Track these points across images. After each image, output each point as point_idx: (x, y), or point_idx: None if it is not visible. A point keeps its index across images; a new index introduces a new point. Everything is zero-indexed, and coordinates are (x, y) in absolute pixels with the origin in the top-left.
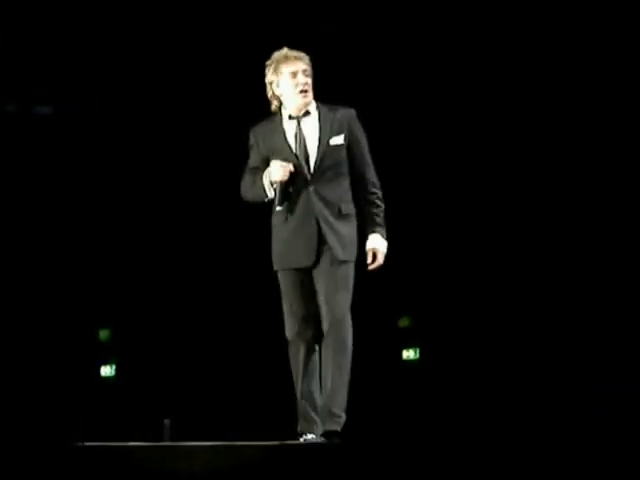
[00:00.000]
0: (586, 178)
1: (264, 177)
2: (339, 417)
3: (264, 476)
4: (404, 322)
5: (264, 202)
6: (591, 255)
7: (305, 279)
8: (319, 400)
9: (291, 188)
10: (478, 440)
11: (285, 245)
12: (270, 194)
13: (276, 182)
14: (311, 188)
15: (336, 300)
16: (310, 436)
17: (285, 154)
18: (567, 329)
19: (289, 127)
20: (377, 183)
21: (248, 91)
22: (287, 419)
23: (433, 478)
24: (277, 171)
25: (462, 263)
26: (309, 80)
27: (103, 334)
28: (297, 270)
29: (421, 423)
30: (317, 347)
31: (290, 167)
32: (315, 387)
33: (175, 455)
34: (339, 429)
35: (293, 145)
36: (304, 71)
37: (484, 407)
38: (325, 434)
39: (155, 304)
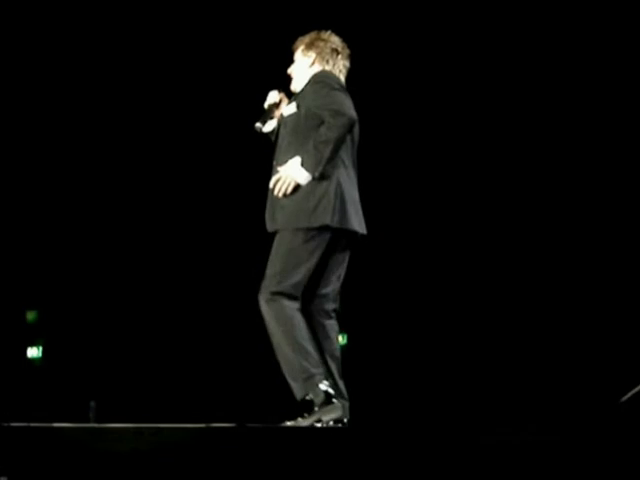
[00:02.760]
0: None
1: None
2: (293, 384)
3: (188, 458)
4: None
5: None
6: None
7: None
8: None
9: (274, 115)
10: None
11: None
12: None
13: (267, 106)
14: (275, 162)
15: (268, 268)
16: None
17: None
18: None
19: None
20: (331, 120)
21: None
22: (217, 401)
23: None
24: (268, 97)
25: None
26: (292, 68)
27: (30, 316)
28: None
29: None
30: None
31: (278, 95)
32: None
33: (100, 436)
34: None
35: None
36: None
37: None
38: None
39: (82, 286)
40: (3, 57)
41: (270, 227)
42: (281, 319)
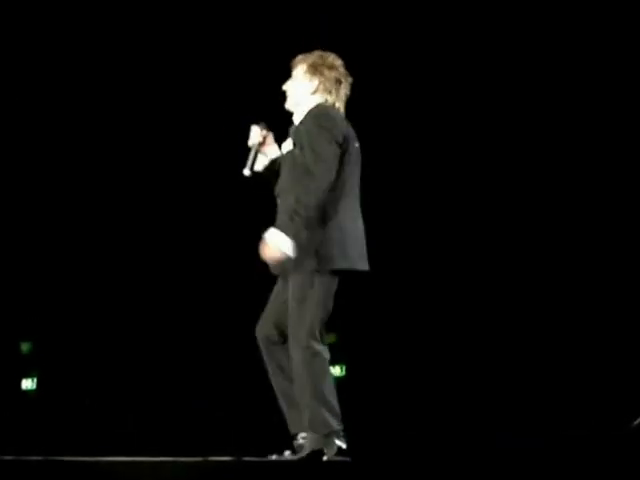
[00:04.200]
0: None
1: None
2: (311, 435)
3: None
4: (331, 339)
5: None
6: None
7: (281, 287)
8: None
9: (262, 151)
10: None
11: None
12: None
13: (252, 146)
14: (278, 199)
15: (289, 314)
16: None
17: None
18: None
19: None
20: (301, 197)
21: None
22: (214, 432)
23: None
24: (251, 135)
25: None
26: (288, 84)
27: (25, 347)
28: (278, 277)
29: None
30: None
31: (261, 132)
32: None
33: (97, 470)
34: (311, 449)
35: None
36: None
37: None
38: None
39: (77, 317)
40: (3, 56)
41: (275, 270)
42: (313, 372)
